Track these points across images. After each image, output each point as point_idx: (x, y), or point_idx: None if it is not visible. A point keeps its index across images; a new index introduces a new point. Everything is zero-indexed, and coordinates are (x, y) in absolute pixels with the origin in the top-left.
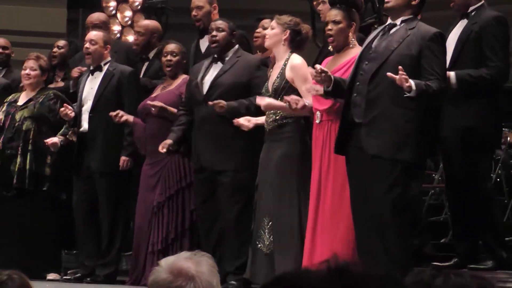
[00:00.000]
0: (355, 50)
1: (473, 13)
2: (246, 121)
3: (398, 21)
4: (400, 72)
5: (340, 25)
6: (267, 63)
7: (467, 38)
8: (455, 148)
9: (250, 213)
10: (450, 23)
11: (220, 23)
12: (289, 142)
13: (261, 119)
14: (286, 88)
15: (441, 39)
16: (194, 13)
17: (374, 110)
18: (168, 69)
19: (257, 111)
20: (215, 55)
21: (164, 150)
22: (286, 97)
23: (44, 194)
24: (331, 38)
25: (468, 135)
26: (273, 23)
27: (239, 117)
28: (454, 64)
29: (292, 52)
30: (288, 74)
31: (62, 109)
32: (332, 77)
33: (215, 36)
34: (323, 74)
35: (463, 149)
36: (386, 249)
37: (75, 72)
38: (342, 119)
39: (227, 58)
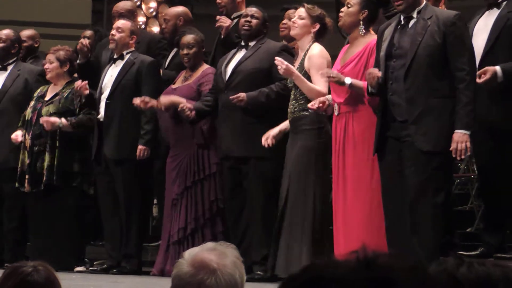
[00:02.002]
0: (366, 39)
1: (504, 2)
2: (264, 139)
3: (414, 13)
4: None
5: (350, 9)
6: (290, 49)
7: (504, 25)
8: (486, 138)
9: (277, 203)
10: (474, 12)
11: (256, 10)
12: (307, 135)
13: (282, 125)
14: (305, 78)
15: (462, 21)
16: (218, 0)
17: (417, 107)
18: (186, 61)
19: (278, 98)
20: (242, 43)
21: (187, 111)
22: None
23: (73, 189)
24: (340, 18)
25: (503, 126)
26: (303, 13)
27: (260, 106)
28: (488, 52)
29: (314, 42)
30: (306, 63)
31: (77, 82)
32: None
33: (249, 21)
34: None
35: (496, 141)
36: (422, 241)
37: (79, 44)
38: (380, 119)
39: (251, 45)
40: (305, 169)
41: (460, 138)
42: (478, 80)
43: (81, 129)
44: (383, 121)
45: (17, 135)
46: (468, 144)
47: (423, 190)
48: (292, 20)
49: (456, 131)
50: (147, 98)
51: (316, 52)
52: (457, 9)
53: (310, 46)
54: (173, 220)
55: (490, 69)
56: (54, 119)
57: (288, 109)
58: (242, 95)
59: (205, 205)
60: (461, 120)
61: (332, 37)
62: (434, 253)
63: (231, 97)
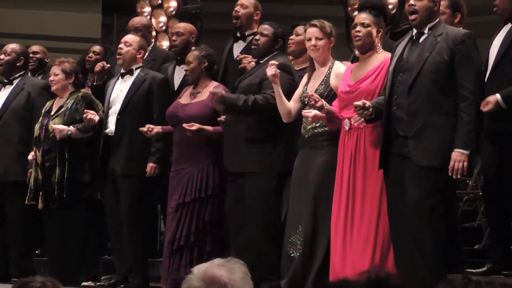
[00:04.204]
0: (381, 56)
1: None
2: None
3: (425, 29)
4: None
5: (369, 28)
6: (287, 68)
7: (511, 43)
8: (492, 153)
9: (278, 218)
10: (494, 28)
11: (265, 28)
12: (329, 149)
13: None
14: (330, 96)
15: (471, 39)
16: (236, 9)
17: (417, 122)
18: (186, 78)
19: (255, 107)
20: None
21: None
22: (308, 92)
23: (85, 202)
24: (358, 37)
25: (505, 140)
26: (319, 33)
27: (234, 109)
28: (496, 67)
29: (334, 59)
30: (333, 81)
31: (85, 115)
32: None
33: (258, 40)
34: (365, 111)
35: (500, 154)
36: (425, 257)
37: (98, 66)
38: (383, 133)
39: (261, 62)
40: (327, 184)
41: (458, 157)
42: (482, 109)
43: (90, 133)
44: (386, 136)
45: (32, 155)
46: (465, 164)
47: (421, 206)
48: (312, 43)
49: (455, 149)
50: (151, 126)
51: (343, 70)
52: (475, 25)
53: (333, 64)
54: (166, 233)
55: (491, 99)
56: (62, 126)
57: (304, 125)
58: (222, 92)
59: (199, 224)
60: (460, 139)
61: (339, 50)
62: (437, 269)
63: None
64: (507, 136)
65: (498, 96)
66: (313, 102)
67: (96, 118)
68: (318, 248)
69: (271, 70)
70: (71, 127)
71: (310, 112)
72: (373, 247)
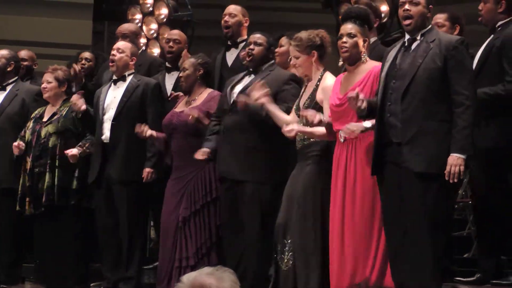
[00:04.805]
0: (368, 65)
1: (499, 28)
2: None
3: (418, 35)
4: None
5: (355, 39)
6: (298, 79)
7: (489, 52)
8: (480, 166)
9: (273, 228)
10: (484, 37)
11: (259, 37)
12: (315, 160)
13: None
14: (316, 110)
15: (464, 45)
16: (225, 19)
17: (412, 128)
18: (181, 84)
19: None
20: (250, 69)
21: (205, 157)
22: (302, 111)
23: (72, 208)
24: (345, 49)
25: (492, 154)
26: (294, 51)
27: (257, 119)
28: (476, 78)
29: (324, 70)
30: (319, 96)
31: (74, 97)
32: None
33: (252, 49)
34: (359, 102)
35: (488, 168)
36: (421, 266)
37: (72, 71)
38: (376, 141)
39: (261, 71)
40: (313, 194)
41: (455, 162)
42: None
43: (94, 148)
44: (379, 143)
45: (19, 144)
46: (462, 168)
47: (418, 214)
48: (291, 63)
49: (451, 154)
50: (146, 128)
51: (331, 83)
52: (474, 33)
53: (321, 76)
54: (179, 243)
55: None
56: (74, 151)
57: (297, 138)
58: (248, 100)
59: (212, 229)
60: (456, 144)
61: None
62: (434, 277)
63: (240, 98)
64: (492, 151)
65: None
66: (311, 120)
67: (84, 107)
68: (310, 262)
69: (258, 93)
70: (77, 149)
71: (290, 130)
72: (373, 258)
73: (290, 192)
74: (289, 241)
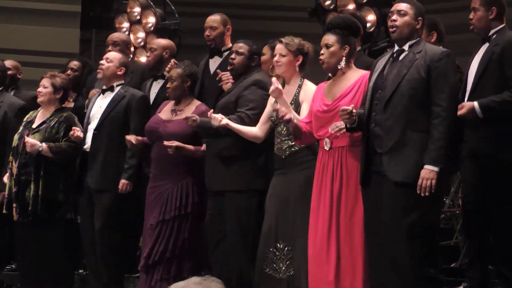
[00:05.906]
0: (357, 73)
1: (494, 36)
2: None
3: (405, 46)
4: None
5: (331, 49)
6: (261, 84)
7: (489, 60)
8: (473, 171)
9: (258, 236)
10: (473, 46)
11: (241, 46)
12: (310, 164)
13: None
14: (297, 114)
15: (449, 58)
16: (207, 33)
17: (393, 138)
18: (167, 94)
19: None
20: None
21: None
22: (275, 105)
23: (59, 219)
24: (321, 61)
25: (487, 160)
26: (283, 50)
27: (211, 132)
28: (476, 87)
29: (303, 77)
30: (302, 96)
31: (71, 132)
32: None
33: (233, 59)
34: (352, 116)
35: (482, 173)
36: (401, 276)
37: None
38: (363, 151)
39: (243, 80)
40: (308, 200)
41: (427, 175)
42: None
43: (61, 155)
44: (366, 153)
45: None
46: (434, 182)
47: (398, 223)
48: (275, 59)
49: (424, 166)
50: (139, 138)
51: (313, 89)
52: (456, 42)
53: (302, 82)
54: (143, 249)
55: (467, 104)
56: (35, 141)
57: (278, 146)
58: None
59: (177, 242)
60: (429, 155)
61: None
62: (416, 286)
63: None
64: (484, 157)
65: (475, 103)
66: (281, 115)
67: (81, 134)
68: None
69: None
70: (43, 144)
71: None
72: (355, 262)
73: (281, 198)
74: (285, 248)
